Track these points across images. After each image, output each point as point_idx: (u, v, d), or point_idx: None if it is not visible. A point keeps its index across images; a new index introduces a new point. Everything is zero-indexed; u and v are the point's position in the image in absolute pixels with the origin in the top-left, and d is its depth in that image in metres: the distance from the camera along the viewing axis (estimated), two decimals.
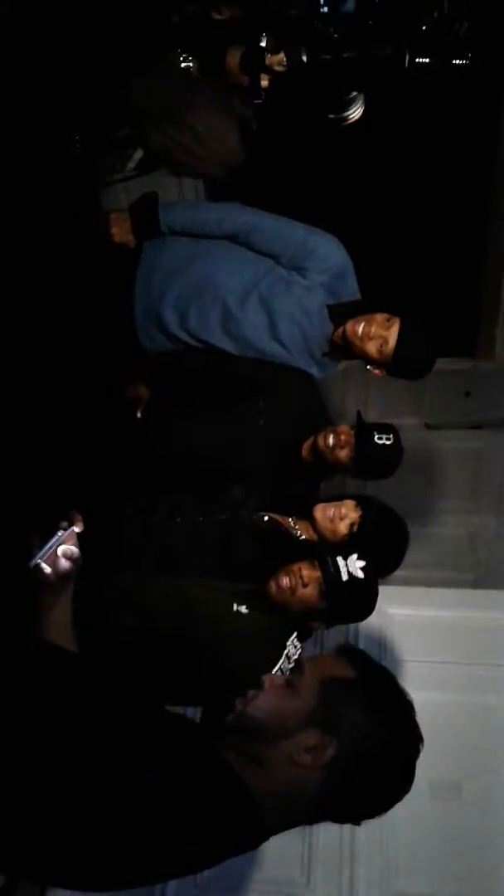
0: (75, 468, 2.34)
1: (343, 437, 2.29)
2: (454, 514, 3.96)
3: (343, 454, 2.29)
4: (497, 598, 3.00)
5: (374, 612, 2.94)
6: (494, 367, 3.73)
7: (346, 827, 2.37)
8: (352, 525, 2.19)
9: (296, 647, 1.93)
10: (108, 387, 2.48)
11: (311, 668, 1.28)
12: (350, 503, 2.25)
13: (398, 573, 2.87)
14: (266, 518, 2.24)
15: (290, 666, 1.88)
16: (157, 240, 2.36)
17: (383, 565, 2.21)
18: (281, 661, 1.89)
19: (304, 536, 2.25)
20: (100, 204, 2.46)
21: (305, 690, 1.23)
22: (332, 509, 2.24)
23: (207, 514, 2.24)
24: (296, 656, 1.89)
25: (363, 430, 2.31)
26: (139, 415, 2.46)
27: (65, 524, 1.40)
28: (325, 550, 2.04)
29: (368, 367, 2.38)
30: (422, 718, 2.59)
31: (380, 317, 2.33)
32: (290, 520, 2.29)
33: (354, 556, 1.97)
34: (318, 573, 1.94)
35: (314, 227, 2.35)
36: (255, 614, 1.96)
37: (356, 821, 1.33)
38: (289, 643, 1.93)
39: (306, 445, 2.41)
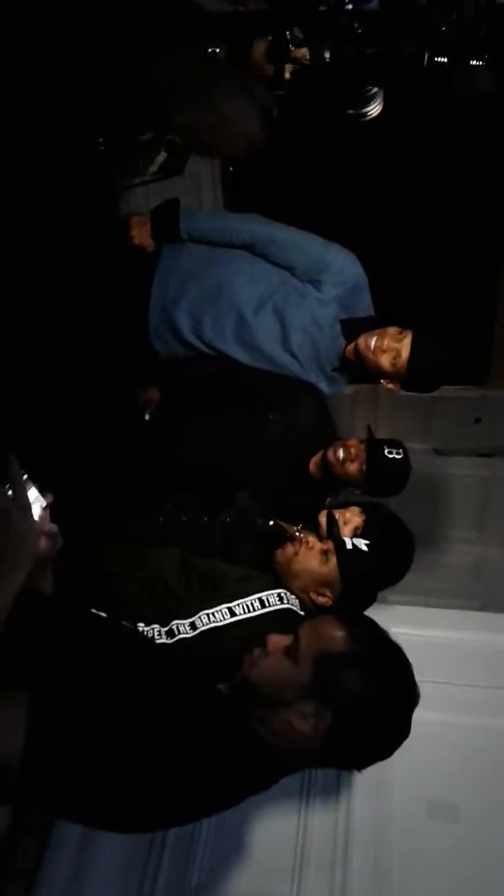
0: (81, 466, 2.35)
1: (353, 451, 2.31)
2: (460, 542, 3.94)
3: (353, 468, 2.31)
4: (502, 621, 2.96)
5: None
6: None
7: (339, 840, 2.34)
8: (356, 529, 2.18)
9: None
10: (119, 387, 2.50)
11: (306, 638, 1.34)
12: (355, 509, 2.23)
13: (401, 598, 2.85)
14: (272, 523, 2.24)
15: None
16: (175, 245, 2.40)
17: (388, 570, 2.19)
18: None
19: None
20: (119, 206, 2.51)
21: (302, 661, 1.30)
22: (337, 515, 2.24)
23: (212, 514, 2.25)
24: None
25: (374, 444, 2.33)
26: (147, 417, 2.49)
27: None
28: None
29: (382, 380, 2.40)
30: (423, 738, 2.56)
31: (392, 330, 2.36)
32: (296, 528, 2.29)
33: (362, 539, 2.00)
34: (322, 545, 1.98)
35: (332, 242, 2.40)
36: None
37: (357, 768, 1.44)
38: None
39: (314, 460, 2.42)
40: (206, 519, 2.24)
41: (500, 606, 3.65)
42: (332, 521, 2.06)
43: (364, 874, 2.27)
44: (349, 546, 1.99)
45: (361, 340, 2.36)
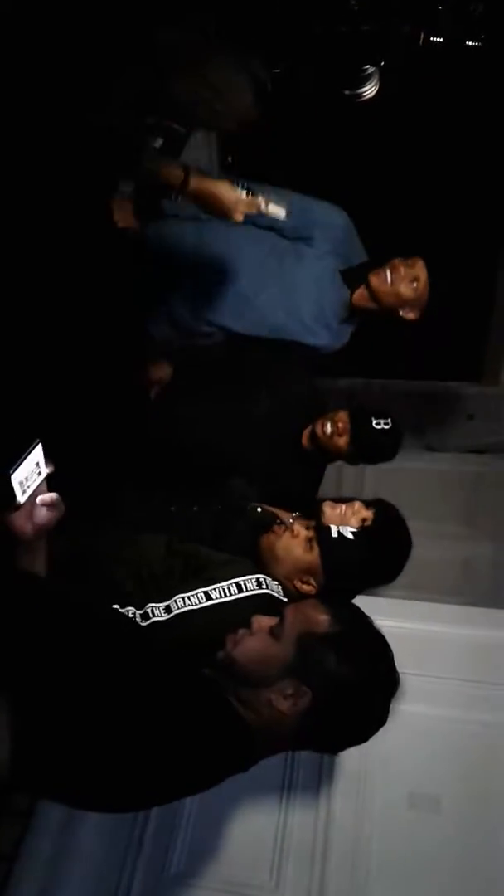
0: (79, 446, 2.32)
1: (341, 425, 2.32)
2: (450, 538, 3.91)
3: (342, 441, 2.31)
4: (491, 616, 2.96)
5: None
6: (499, 392, 3.74)
7: (319, 829, 2.34)
8: (363, 520, 2.15)
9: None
10: (115, 373, 2.47)
11: (291, 619, 1.36)
12: (359, 503, 2.22)
13: (390, 591, 2.82)
14: (259, 509, 2.23)
15: None
16: (160, 224, 2.37)
17: (375, 564, 2.17)
18: None
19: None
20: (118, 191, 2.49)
21: (285, 641, 1.33)
22: (344, 506, 2.21)
23: (202, 504, 2.23)
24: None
25: (360, 417, 2.33)
26: (153, 395, 2.45)
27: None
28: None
29: (401, 312, 2.38)
30: (406, 730, 2.56)
31: (397, 260, 2.35)
32: (292, 516, 2.27)
33: (348, 527, 1.96)
34: (308, 532, 1.95)
35: (312, 197, 2.37)
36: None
37: (333, 751, 1.60)
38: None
39: (306, 433, 2.42)
40: (195, 508, 2.23)
41: (490, 602, 3.65)
42: (316, 508, 2.05)
43: (343, 864, 2.27)
44: (335, 534, 1.96)
45: (373, 279, 2.34)
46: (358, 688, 1.32)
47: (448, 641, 2.81)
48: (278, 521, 2.14)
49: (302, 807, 2.41)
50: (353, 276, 2.37)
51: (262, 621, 1.38)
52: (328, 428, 2.32)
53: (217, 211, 2.05)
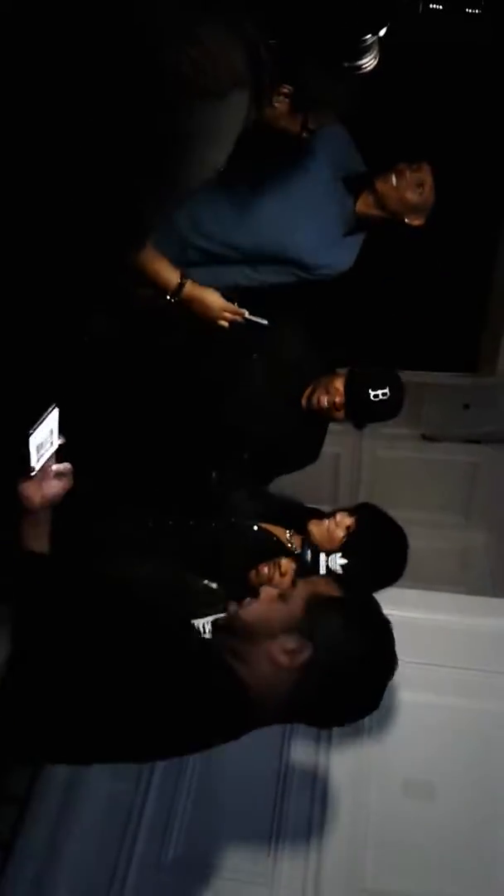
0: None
1: (338, 400, 2.26)
2: (447, 528, 3.92)
3: (341, 415, 2.28)
4: (488, 605, 2.96)
5: None
6: (495, 382, 3.72)
7: (315, 815, 2.33)
8: (348, 528, 2.15)
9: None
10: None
11: (302, 585, 1.40)
12: (342, 513, 2.23)
13: None
14: (255, 528, 2.22)
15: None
16: None
17: (386, 568, 2.16)
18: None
19: (297, 550, 2.21)
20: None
21: (294, 601, 1.35)
22: (327, 521, 2.22)
23: (199, 518, 2.22)
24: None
25: (356, 388, 2.27)
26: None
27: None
28: (311, 548, 2.07)
29: (407, 220, 2.34)
30: (402, 718, 2.55)
31: (402, 165, 2.31)
32: (287, 532, 2.25)
33: (338, 554, 1.97)
34: (294, 565, 1.96)
35: None
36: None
37: (326, 724, 1.57)
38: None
39: (306, 395, 2.38)
40: (192, 523, 2.21)
41: (487, 591, 3.65)
42: (302, 555, 2.06)
43: (339, 849, 2.27)
44: (322, 572, 1.96)
45: (379, 184, 2.31)
46: (358, 655, 1.33)
47: (445, 629, 2.81)
48: (274, 538, 2.14)
49: (298, 792, 2.40)
50: (357, 184, 2.32)
51: (270, 591, 1.40)
52: (325, 401, 2.27)
53: (205, 315, 2.16)
